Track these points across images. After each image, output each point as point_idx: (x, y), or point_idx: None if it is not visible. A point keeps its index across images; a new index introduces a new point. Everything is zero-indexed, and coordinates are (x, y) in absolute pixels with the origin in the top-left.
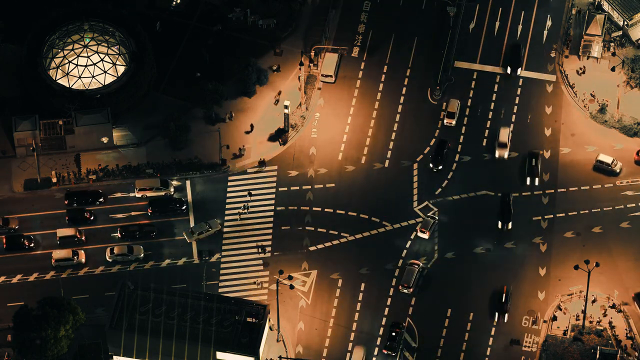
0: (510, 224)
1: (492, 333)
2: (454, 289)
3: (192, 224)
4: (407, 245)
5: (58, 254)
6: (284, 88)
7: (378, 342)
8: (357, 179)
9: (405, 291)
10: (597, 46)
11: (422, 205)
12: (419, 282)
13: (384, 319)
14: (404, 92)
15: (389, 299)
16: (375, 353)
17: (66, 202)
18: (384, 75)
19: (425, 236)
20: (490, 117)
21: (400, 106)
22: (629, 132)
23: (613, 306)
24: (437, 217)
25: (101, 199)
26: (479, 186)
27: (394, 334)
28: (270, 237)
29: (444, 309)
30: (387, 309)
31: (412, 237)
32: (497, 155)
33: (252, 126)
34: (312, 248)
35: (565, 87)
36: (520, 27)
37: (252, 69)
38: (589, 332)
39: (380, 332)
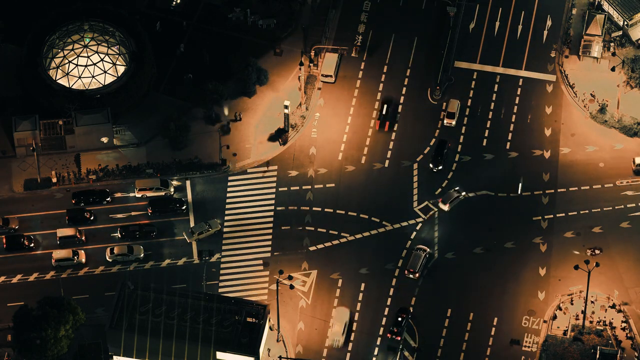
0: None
1: (492, 333)
2: (454, 289)
3: (192, 224)
4: (407, 245)
5: (58, 254)
6: (284, 88)
7: (378, 342)
8: (357, 179)
9: (411, 276)
10: (597, 46)
11: (422, 205)
12: (425, 268)
13: (384, 319)
14: (404, 92)
15: (389, 299)
16: (379, 342)
17: (73, 202)
18: (384, 75)
19: (446, 208)
20: (490, 117)
21: (400, 106)
22: (629, 132)
23: (613, 306)
24: (463, 193)
25: (108, 198)
26: (479, 186)
27: (399, 319)
28: (270, 237)
29: (444, 309)
30: (387, 309)
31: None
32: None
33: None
34: (312, 248)
35: (565, 87)
36: (520, 27)
37: (252, 69)
38: (589, 332)
39: (380, 332)
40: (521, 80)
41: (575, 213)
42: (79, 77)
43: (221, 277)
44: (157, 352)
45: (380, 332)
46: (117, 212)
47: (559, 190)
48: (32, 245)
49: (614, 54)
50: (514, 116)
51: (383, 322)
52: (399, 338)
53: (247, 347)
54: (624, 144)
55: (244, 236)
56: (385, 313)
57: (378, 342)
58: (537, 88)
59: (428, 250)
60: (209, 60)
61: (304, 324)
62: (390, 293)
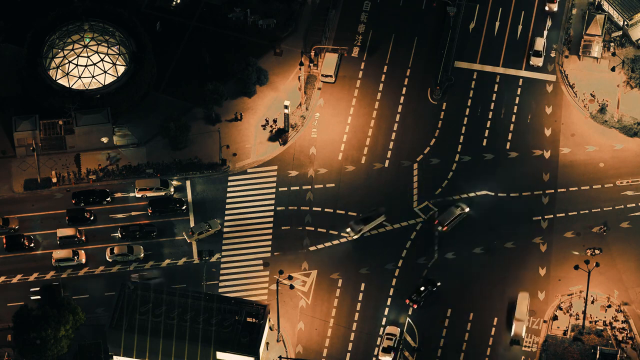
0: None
1: (492, 333)
2: (454, 289)
3: (192, 224)
4: (408, 245)
5: (58, 254)
6: (284, 88)
7: (378, 342)
8: (357, 179)
9: (439, 228)
10: (597, 46)
11: (422, 205)
12: (455, 224)
13: (384, 319)
14: (404, 92)
15: (389, 299)
16: (378, 342)
17: (73, 202)
18: (384, 75)
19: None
20: (490, 117)
21: (400, 106)
22: (629, 132)
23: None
24: (466, 210)
25: (108, 198)
26: (479, 186)
27: (422, 288)
28: (270, 237)
29: (444, 309)
30: (387, 309)
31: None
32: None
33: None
34: (312, 248)
35: (565, 87)
36: (520, 27)
37: (252, 69)
38: (589, 332)
39: (380, 332)
40: (521, 80)
41: (575, 213)
42: (79, 77)
43: (221, 277)
44: (157, 352)
45: (380, 332)
46: (117, 212)
47: (559, 190)
48: (32, 245)
49: (614, 54)
50: (514, 116)
51: (383, 322)
52: (415, 306)
53: (247, 347)
54: (624, 144)
55: (244, 236)
56: (386, 313)
57: (378, 342)
58: (537, 88)
59: (467, 210)
60: (209, 60)
61: (304, 324)
62: (391, 293)
